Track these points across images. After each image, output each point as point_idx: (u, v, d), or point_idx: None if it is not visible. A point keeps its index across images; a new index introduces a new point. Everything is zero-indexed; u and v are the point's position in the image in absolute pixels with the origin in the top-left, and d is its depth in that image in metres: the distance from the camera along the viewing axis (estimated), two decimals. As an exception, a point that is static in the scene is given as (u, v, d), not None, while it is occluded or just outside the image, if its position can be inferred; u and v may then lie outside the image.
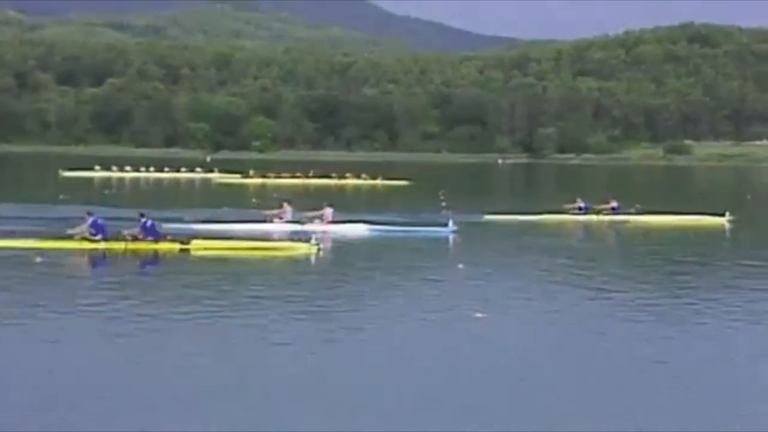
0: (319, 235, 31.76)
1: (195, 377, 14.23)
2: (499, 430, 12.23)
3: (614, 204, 44.09)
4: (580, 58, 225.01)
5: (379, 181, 74.86)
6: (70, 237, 29.37)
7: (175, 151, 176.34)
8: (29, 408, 12.62)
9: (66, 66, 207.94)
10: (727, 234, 39.28)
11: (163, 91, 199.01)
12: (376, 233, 34.94)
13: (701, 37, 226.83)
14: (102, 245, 28.98)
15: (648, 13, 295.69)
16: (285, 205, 37.01)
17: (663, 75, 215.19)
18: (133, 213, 32.74)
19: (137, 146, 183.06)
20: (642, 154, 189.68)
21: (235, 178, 78.08)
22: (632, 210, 44.05)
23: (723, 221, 42.18)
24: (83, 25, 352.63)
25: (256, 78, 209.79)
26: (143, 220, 29.69)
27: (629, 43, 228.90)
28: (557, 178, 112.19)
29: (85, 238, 29.15)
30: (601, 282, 24.15)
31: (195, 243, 29.42)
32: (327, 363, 15.22)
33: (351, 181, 75.13)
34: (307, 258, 28.14)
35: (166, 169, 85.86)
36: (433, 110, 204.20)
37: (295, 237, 31.23)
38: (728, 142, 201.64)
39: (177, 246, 29.14)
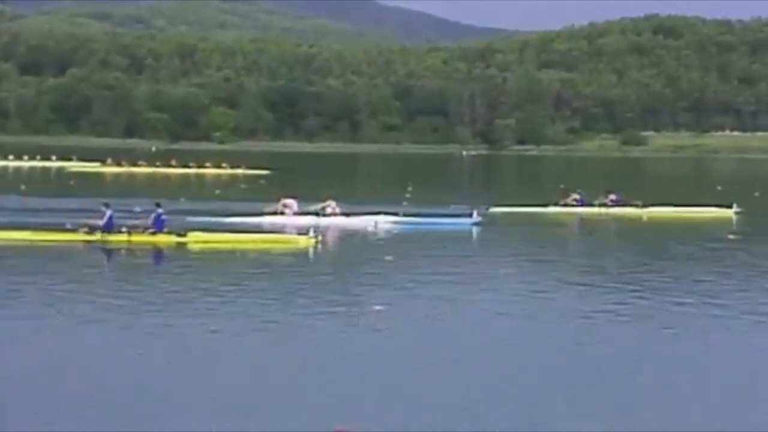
0: (332, 227, 31.93)
1: (191, 373, 14.14)
2: (501, 429, 12.06)
3: (613, 196, 44.33)
4: (545, 49, 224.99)
5: (240, 171, 75.17)
6: (90, 230, 29.22)
7: (135, 142, 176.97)
8: (29, 404, 12.52)
9: (30, 56, 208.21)
10: (734, 226, 39.11)
11: (124, 81, 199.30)
12: (398, 225, 34.78)
13: (665, 28, 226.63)
14: (99, 237, 28.93)
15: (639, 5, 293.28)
16: (288, 199, 37.05)
17: (625, 66, 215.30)
18: None
19: (97, 136, 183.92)
20: (598, 146, 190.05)
21: (91, 167, 77.94)
22: (638, 202, 44.00)
23: (730, 213, 42.14)
24: (66, 15, 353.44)
25: (219, 69, 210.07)
26: (159, 210, 29.64)
27: (594, 34, 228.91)
28: (499, 169, 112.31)
29: (85, 232, 29.17)
30: (611, 276, 24.17)
31: (192, 235, 29.33)
32: (322, 358, 15.06)
33: (211, 171, 75.47)
34: (305, 250, 27.99)
35: (25, 157, 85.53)
36: (395, 102, 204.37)
37: (303, 230, 30.90)
38: (688, 133, 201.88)
39: (174, 239, 29.01)
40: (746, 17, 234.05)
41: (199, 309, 18.67)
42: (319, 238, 29.35)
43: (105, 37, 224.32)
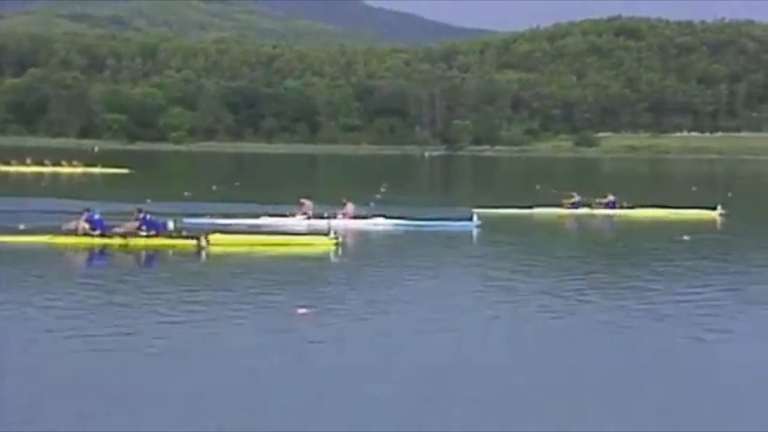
0: (341, 231, 31.81)
1: (207, 373, 14.11)
2: (500, 429, 12.17)
3: (611, 198, 44.88)
4: (506, 50, 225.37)
5: (97, 170, 75.40)
6: (68, 232, 29.27)
7: (92, 143, 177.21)
8: (23, 407, 12.45)
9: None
10: (719, 227, 39.93)
11: (82, 82, 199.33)
12: (399, 228, 35.04)
13: (626, 30, 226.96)
14: (117, 240, 29.02)
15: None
16: (305, 200, 37.03)
17: (585, 67, 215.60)
18: None
19: (54, 136, 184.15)
20: (552, 146, 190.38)
21: None
22: (625, 204, 44.60)
23: (715, 215, 42.77)
24: (46, 16, 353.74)
25: (179, 69, 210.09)
26: (141, 215, 29.63)
27: (557, 35, 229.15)
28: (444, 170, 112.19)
29: (86, 234, 29.15)
30: (605, 278, 24.53)
31: (211, 238, 29.32)
32: (336, 361, 15.13)
33: (65, 169, 75.75)
34: (325, 253, 28.08)
35: None
36: (355, 102, 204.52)
37: (314, 232, 31.09)
38: (647, 134, 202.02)
39: (193, 242, 29.05)
40: (710, 19, 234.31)
41: (217, 311, 18.68)
42: (340, 239, 29.42)
43: (66, 37, 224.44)
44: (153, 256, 27.77)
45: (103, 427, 11.86)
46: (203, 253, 27.94)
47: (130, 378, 13.91)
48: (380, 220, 36.28)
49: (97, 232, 29.27)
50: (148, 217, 29.67)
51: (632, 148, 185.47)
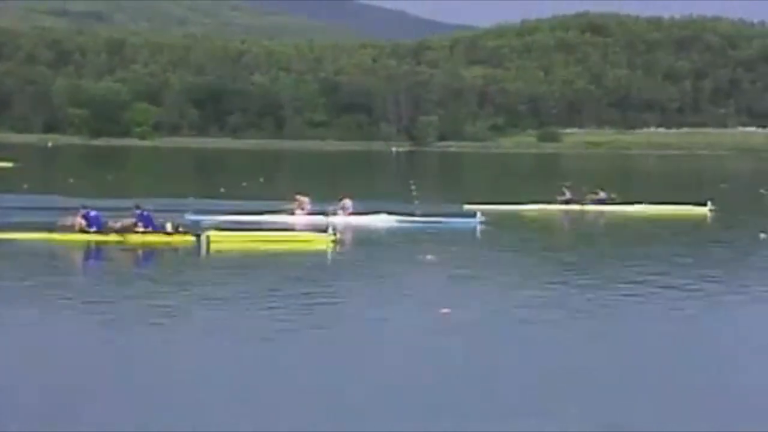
0: (342, 227, 31.87)
1: (197, 374, 14.19)
2: (495, 429, 12.20)
3: (603, 195, 45.39)
4: (475, 46, 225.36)
5: None
6: (64, 228, 29.32)
7: (56, 138, 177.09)
8: (24, 405, 12.53)
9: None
10: (709, 223, 40.71)
11: (47, 77, 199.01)
12: (403, 224, 34.97)
13: (594, 26, 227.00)
14: (111, 237, 29.07)
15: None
16: (302, 197, 36.87)
17: (552, 63, 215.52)
18: None
19: (18, 132, 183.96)
20: (514, 142, 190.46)
21: None
22: (616, 199, 45.16)
23: (705, 210, 43.38)
24: (24, 11, 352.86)
25: (146, 64, 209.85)
26: (138, 211, 29.70)
27: (525, 32, 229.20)
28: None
29: (82, 230, 29.19)
30: (596, 275, 24.71)
31: (210, 235, 29.23)
32: (328, 362, 15.19)
33: None
34: (323, 250, 28.11)
35: None
36: (321, 98, 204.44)
37: (313, 228, 31.12)
38: (612, 130, 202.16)
39: (190, 238, 29.02)
40: (678, 15, 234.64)
41: (214, 308, 18.81)
42: (338, 236, 29.38)
43: (34, 32, 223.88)
44: (150, 253, 27.98)
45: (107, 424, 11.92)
46: (202, 250, 27.88)
47: (125, 377, 14.04)
48: (383, 217, 36.15)
49: (93, 230, 29.23)
50: (145, 213, 29.71)
51: (593, 144, 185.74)
